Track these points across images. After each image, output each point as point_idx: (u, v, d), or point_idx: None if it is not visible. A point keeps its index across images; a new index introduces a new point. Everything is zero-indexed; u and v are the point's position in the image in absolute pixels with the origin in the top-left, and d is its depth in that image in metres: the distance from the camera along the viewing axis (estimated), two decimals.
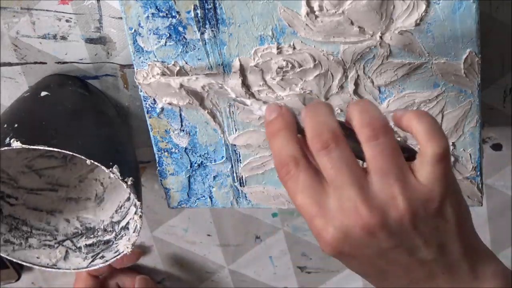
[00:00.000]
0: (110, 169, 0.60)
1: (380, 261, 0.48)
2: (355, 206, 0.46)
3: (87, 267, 0.68)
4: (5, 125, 0.60)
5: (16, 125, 0.60)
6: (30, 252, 0.68)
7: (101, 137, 0.63)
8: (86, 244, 0.69)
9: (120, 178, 0.60)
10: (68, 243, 0.69)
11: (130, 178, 0.61)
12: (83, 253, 0.68)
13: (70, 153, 0.58)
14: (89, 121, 0.64)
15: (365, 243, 0.47)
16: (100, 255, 0.68)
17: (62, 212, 0.70)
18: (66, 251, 0.69)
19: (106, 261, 0.67)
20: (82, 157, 0.58)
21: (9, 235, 0.68)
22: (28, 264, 0.68)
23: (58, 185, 0.71)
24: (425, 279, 0.49)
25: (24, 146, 0.58)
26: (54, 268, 0.68)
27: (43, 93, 0.64)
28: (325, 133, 0.47)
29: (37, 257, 0.68)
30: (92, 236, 0.69)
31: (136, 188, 0.62)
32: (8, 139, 0.58)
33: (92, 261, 0.68)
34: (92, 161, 0.59)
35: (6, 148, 0.58)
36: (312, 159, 0.49)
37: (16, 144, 0.58)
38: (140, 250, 0.81)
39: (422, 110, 0.56)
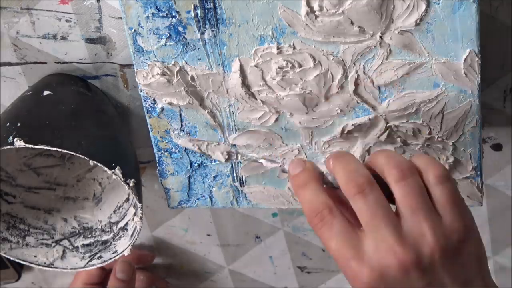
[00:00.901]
0: (113, 170, 0.59)
1: None
2: (390, 245, 0.49)
3: (84, 267, 0.68)
4: (8, 124, 0.60)
5: (19, 124, 0.60)
6: (27, 250, 0.68)
7: (104, 137, 0.63)
8: (83, 244, 0.69)
9: (123, 179, 0.60)
10: (65, 242, 0.69)
11: (132, 180, 0.61)
12: (81, 252, 0.68)
13: (74, 153, 0.58)
14: (91, 121, 0.64)
15: (400, 283, 0.49)
16: (98, 255, 0.67)
17: (60, 211, 0.70)
18: (64, 251, 0.69)
19: (104, 261, 0.67)
20: (86, 158, 0.58)
21: (7, 233, 0.68)
22: (25, 263, 0.68)
23: (55, 184, 0.71)
24: None
25: (27, 145, 0.58)
26: (51, 267, 0.68)
27: (46, 92, 0.64)
28: (359, 178, 0.51)
29: (34, 256, 0.68)
30: (89, 236, 0.69)
31: (137, 190, 0.62)
32: (11, 138, 0.58)
33: (90, 261, 0.67)
34: (95, 162, 0.59)
35: (9, 147, 0.58)
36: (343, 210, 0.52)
37: (19, 144, 0.58)
38: (153, 254, 0.81)
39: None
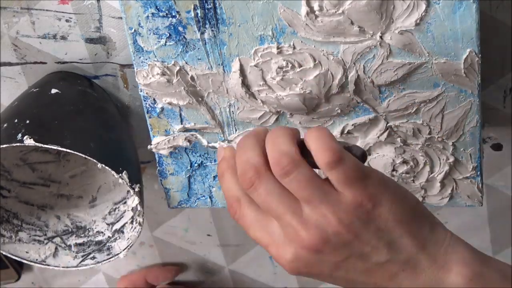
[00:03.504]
0: (120, 174, 0.59)
1: (340, 272, 0.51)
2: (294, 231, 0.49)
3: (76, 266, 0.67)
4: (16, 120, 0.60)
5: (28, 121, 0.59)
6: (20, 246, 0.68)
7: (111, 139, 0.62)
8: (76, 243, 0.68)
9: (129, 184, 0.60)
10: (57, 240, 0.68)
11: (138, 185, 0.61)
12: (73, 251, 0.68)
13: (83, 155, 0.58)
14: (98, 122, 0.63)
15: (317, 261, 0.50)
16: (91, 255, 0.67)
17: (53, 208, 0.70)
18: (56, 248, 0.68)
19: (98, 262, 0.66)
20: (94, 160, 0.58)
21: (0, 227, 0.67)
22: (17, 258, 0.67)
23: (50, 181, 0.70)
24: (388, 280, 0.50)
25: (37, 144, 0.57)
26: (43, 264, 0.68)
27: (54, 91, 0.63)
28: (248, 172, 0.50)
29: (26, 252, 0.68)
30: (82, 235, 0.68)
31: (141, 194, 0.62)
32: (20, 135, 0.58)
33: (82, 260, 0.67)
34: (103, 165, 0.58)
35: (18, 144, 0.57)
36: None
37: (29, 142, 0.57)
38: (177, 267, 0.82)
39: (316, 126, 0.58)
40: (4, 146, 0.58)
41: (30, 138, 0.57)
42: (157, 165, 0.65)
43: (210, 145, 0.62)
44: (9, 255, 0.67)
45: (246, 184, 0.50)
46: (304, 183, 0.49)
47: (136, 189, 0.60)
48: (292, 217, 0.49)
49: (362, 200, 0.49)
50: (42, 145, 0.57)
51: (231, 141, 0.62)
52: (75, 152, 0.58)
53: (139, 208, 0.62)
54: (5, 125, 0.60)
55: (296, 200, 0.50)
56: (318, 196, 0.49)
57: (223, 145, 0.59)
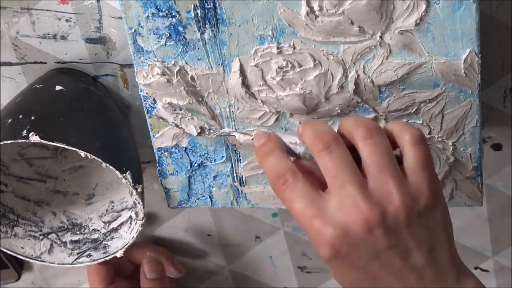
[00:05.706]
0: (124, 174, 0.59)
1: (374, 264, 0.49)
2: (354, 202, 0.48)
3: (72, 263, 0.67)
4: (20, 116, 0.59)
5: (33, 118, 0.59)
6: (15, 241, 0.67)
7: (114, 139, 0.62)
8: (71, 240, 0.68)
9: (132, 184, 0.59)
10: (53, 236, 0.68)
11: (140, 186, 0.60)
12: (68, 248, 0.68)
13: (89, 154, 0.57)
14: (102, 121, 0.63)
15: (363, 241, 0.49)
16: (87, 253, 0.67)
17: (49, 205, 0.69)
18: (51, 244, 0.68)
19: (94, 260, 0.66)
20: (99, 160, 0.58)
21: None
22: (12, 253, 0.67)
23: (47, 176, 0.70)
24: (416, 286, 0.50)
25: (42, 141, 0.57)
26: (38, 260, 0.67)
27: (58, 87, 0.63)
28: (326, 135, 0.51)
29: (22, 247, 0.67)
30: (78, 232, 0.68)
31: (142, 195, 0.62)
32: (25, 131, 0.58)
33: (78, 258, 0.67)
34: (108, 164, 0.58)
35: (24, 140, 0.57)
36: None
37: (34, 139, 0.57)
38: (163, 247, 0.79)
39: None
40: (10, 142, 0.57)
41: (36, 135, 0.57)
42: (157, 165, 0.65)
43: (237, 133, 0.61)
44: (4, 250, 0.67)
45: (322, 145, 0.50)
46: (385, 148, 0.50)
47: (139, 190, 0.60)
48: (357, 188, 0.49)
49: (427, 191, 0.49)
50: (48, 142, 0.57)
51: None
52: (81, 151, 0.57)
53: (140, 208, 0.62)
54: (9, 120, 0.60)
55: (363, 176, 0.49)
56: (391, 168, 0.49)
57: (260, 131, 0.59)
